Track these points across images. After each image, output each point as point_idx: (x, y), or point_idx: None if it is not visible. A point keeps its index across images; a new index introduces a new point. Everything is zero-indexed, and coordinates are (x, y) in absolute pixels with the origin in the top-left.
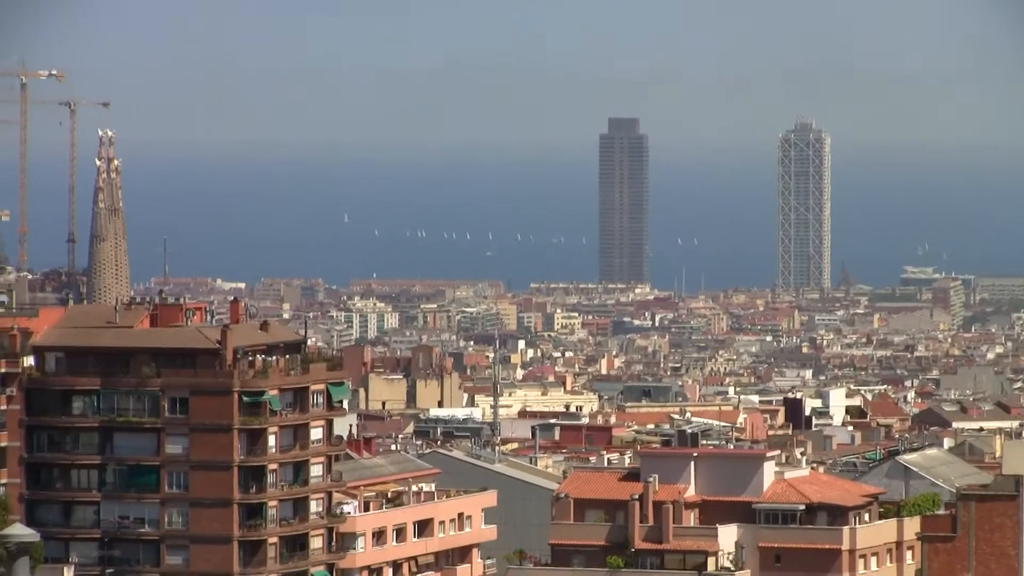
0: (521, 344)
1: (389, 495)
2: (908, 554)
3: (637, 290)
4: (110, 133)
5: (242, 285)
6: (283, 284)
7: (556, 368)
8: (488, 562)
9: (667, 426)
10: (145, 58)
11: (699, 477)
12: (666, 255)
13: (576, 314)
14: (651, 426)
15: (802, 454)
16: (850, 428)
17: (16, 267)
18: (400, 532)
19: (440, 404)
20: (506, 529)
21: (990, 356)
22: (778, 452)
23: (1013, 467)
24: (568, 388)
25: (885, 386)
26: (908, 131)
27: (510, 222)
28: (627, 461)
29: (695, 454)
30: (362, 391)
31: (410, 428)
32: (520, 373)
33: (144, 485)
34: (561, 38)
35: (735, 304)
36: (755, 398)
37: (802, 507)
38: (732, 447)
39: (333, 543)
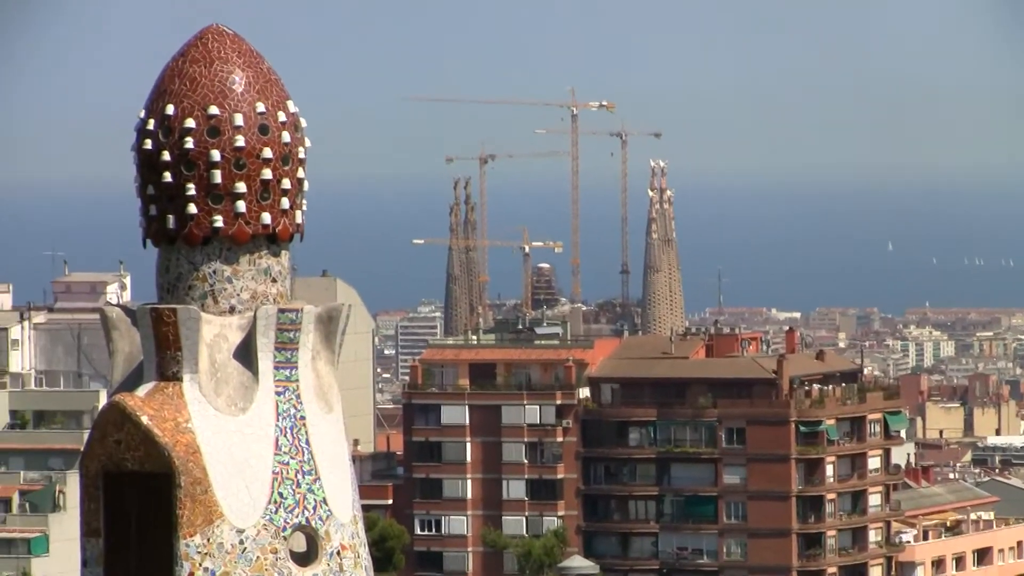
0: None
1: (948, 524)
2: None
3: None
4: (662, 164)
5: (797, 314)
6: (838, 313)
7: None
8: None
9: None
10: (697, 86)
11: None
12: None
13: None
14: None
15: None
16: None
17: (570, 299)
18: (959, 561)
19: (998, 432)
20: None
21: None
22: None
23: None
24: None
25: None
26: None
27: None
28: None
29: None
30: (919, 420)
31: (968, 456)
32: None
33: (702, 515)
34: None
35: None
36: None
37: None
38: None
39: (892, 572)
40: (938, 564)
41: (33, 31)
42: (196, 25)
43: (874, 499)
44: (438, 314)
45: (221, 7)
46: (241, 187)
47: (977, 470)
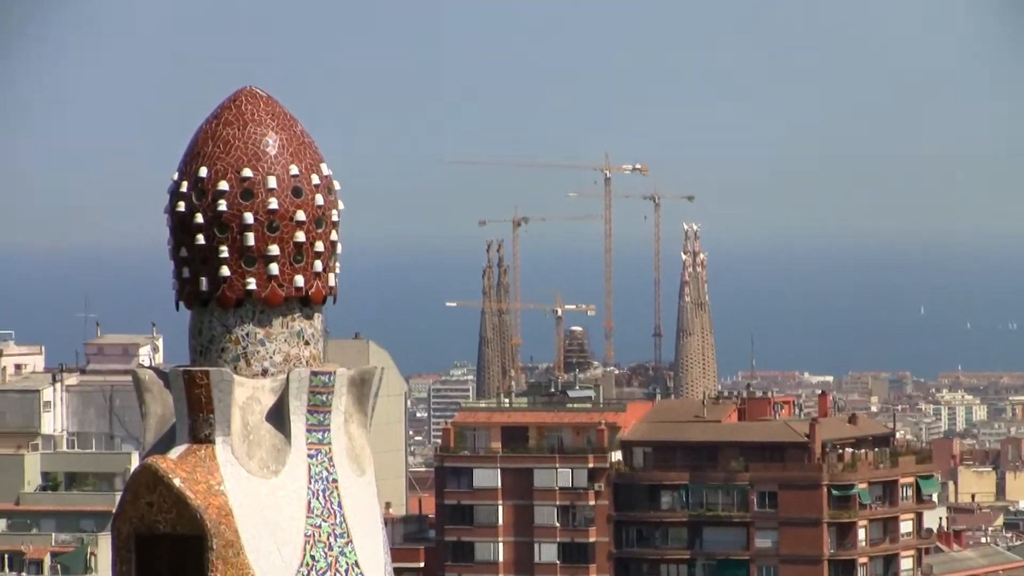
0: None
1: None
2: None
3: None
4: (695, 227)
5: (829, 378)
6: (871, 377)
7: None
8: None
9: None
10: (731, 150)
11: None
12: None
13: None
14: None
15: None
16: None
17: (602, 362)
18: None
19: None
20: None
21: None
22: None
23: None
24: None
25: None
26: None
27: None
28: None
29: None
30: (951, 484)
31: (1000, 520)
32: None
33: None
34: None
35: None
36: None
37: None
38: None
39: None
40: None
41: (65, 89)
42: (232, 87)
43: (906, 563)
44: (470, 377)
45: (254, 70)
46: (274, 250)
47: (1009, 534)
